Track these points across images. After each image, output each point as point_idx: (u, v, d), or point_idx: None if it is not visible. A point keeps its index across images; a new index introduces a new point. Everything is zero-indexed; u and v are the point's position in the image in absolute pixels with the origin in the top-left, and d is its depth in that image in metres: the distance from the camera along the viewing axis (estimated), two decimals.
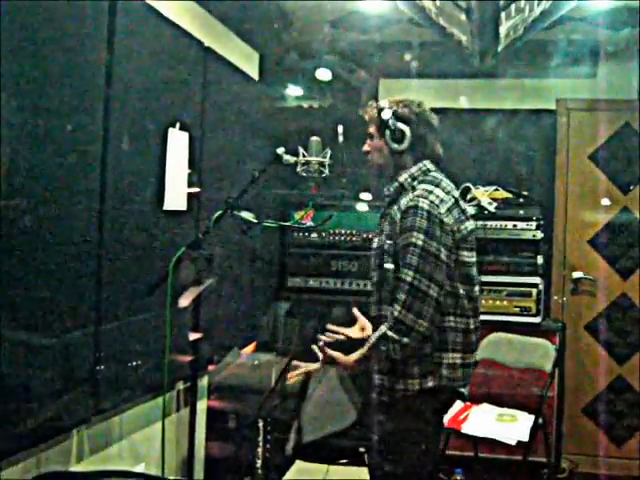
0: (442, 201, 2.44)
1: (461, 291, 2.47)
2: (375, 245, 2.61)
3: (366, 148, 2.66)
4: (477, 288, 2.56)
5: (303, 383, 2.55)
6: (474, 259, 2.54)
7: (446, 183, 2.54)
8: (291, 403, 2.79)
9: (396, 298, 2.39)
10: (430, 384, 2.46)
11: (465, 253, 2.48)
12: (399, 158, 2.58)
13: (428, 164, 2.57)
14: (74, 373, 2.52)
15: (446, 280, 2.41)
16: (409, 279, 2.36)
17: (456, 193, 2.56)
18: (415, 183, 2.52)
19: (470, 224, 2.53)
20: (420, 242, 2.37)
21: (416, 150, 2.57)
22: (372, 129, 2.62)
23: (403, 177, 2.55)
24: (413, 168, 2.56)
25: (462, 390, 2.55)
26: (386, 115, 2.54)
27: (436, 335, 2.43)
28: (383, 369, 2.50)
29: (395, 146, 2.56)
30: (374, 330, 2.52)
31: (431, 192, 2.45)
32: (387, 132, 2.56)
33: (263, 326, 4.24)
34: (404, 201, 2.47)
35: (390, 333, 2.37)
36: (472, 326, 2.51)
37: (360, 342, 2.57)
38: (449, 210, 2.44)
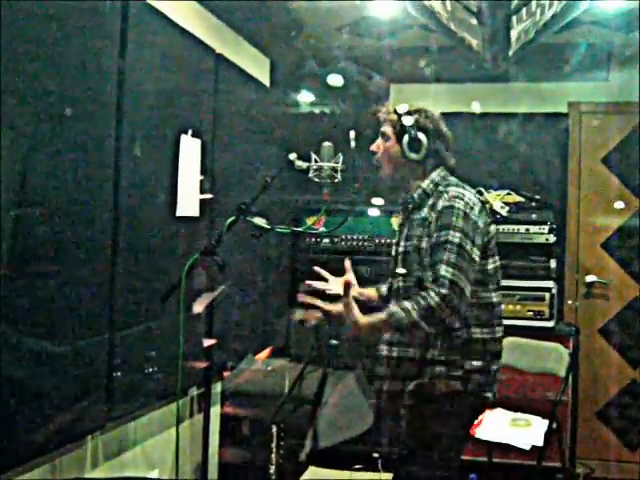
0: (474, 203, 2.46)
1: (494, 299, 2.50)
2: (401, 250, 2.59)
3: (374, 148, 2.65)
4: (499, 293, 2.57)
5: (319, 388, 2.54)
6: (498, 264, 2.55)
7: (469, 188, 2.56)
8: (306, 409, 2.77)
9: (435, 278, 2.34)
10: (459, 387, 2.45)
11: (490, 260, 2.50)
12: (413, 166, 2.58)
13: (445, 171, 2.59)
14: (88, 380, 2.53)
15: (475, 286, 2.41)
16: (444, 273, 2.32)
17: (480, 198, 2.57)
18: (440, 188, 2.52)
19: (493, 229, 2.55)
20: (457, 240, 2.36)
21: (431, 160, 2.58)
22: (388, 130, 2.60)
23: (425, 183, 2.56)
24: (433, 174, 2.57)
25: (488, 395, 2.53)
26: (408, 122, 2.53)
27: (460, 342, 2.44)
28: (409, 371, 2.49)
29: (412, 155, 2.55)
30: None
31: (464, 195, 2.46)
32: (405, 138, 2.56)
33: (278, 332, 4.24)
34: (440, 202, 2.46)
35: (431, 286, 2.30)
36: (499, 334, 2.54)
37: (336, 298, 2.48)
38: (480, 212, 2.46)
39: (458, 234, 2.37)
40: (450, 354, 2.45)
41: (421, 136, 2.54)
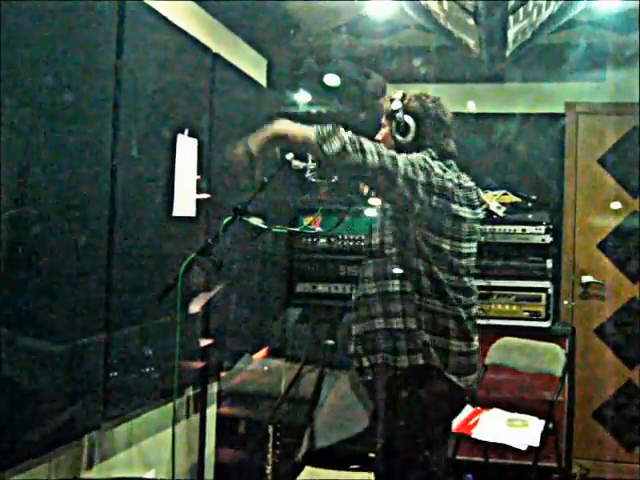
0: (431, 167, 2.45)
1: (440, 276, 2.47)
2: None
3: (377, 137, 2.67)
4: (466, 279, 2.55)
5: (315, 388, 2.54)
6: (468, 251, 2.54)
7: (443, 165, 2.53)
8: (303, 409, 2.78)
9: None
10: (420, 362, 2.44)
11: (448, 241, 2.48)
12: (402, 151, 2.57)
13: (431, 154, 2.55)
14: (85, 379, 2.52)
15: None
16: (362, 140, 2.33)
17: (453, 178, 2.53)
18: None
19: (467, 211, 2.53)
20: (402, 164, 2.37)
21: (420, 144, 2.57)
22: (383, 119, 2.65)
23: None
24: (417, 154, 2.54)
25: (453, 379, 2.49)
26: (395, 106, 2.56)
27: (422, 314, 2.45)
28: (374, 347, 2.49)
29: (399, 138, 2.57)
30: None
31: (429, 162, 2.47)
32: (393, 123, 2.58)
33: (275, 332, 4.24)
34: None
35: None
36: (463, 314, 2.50)
37: None
38: (434, 179, 2.44)
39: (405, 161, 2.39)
40: (409, 322, 2.45)
41: (408, 119, 2.56)
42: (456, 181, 2.51)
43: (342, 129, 2.32)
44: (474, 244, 2.58)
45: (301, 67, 4.52)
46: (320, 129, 2.31)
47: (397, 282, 2.47)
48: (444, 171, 2.48)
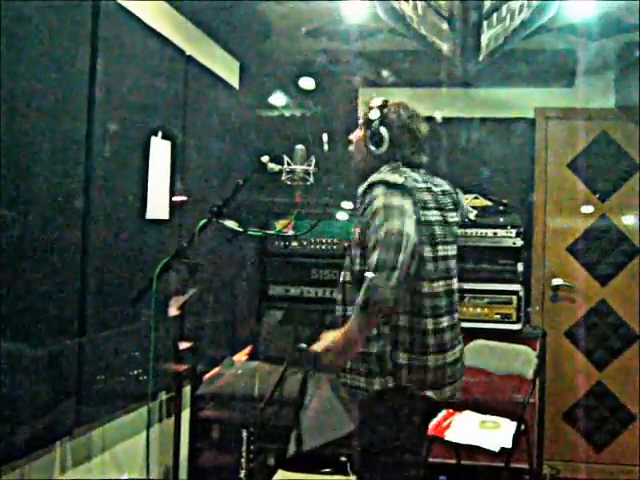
0: (402, 185, 2.41)
1: (426, 288, 2.46)
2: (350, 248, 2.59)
3: (351, 137, 2.69)
4: (443, 283, 2.53)
5: (300, 391, 2.53)
6: (443, 254, 2.52)
7: (411, 173, 2.52)
8: (288, 412, 2.76)
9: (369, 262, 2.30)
10: (390, 385, 2.43)
11: (428, 247, 2.46)
12: (374, 160, 2.58)
13: (400, 165, 2.55)
14: (58, 384, 2.49)
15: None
16: (373, 259, 2.26)
17: (418, 183, 2.52)
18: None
19: (438, 215, 2.52)
20: (382, 231, 2.30)
21: (392, 155, 2.57)
22: (360, 122, 2.65)
23: (373, 177, 2.49)
24: (384, 167, 2.54)
25: (429, 394, 2.48)
26: (373, 115, 2.56)
27: (391, 334, 2.42)
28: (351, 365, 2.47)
29: (372, 148, 2.57)
30: None
31: (385, 179, 2.43)
32: (368, 132, 2.58)
33: (253, 334, 4.22)
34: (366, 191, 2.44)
35: (374, 275, 2.25)
36: (430, 327, 2.46)
37: None
38: (407, 194, 2.40)
39: (382, 220, 2.32)
40: (379, 345, 2.43)
41: (383, 130, 2.56)
42: (423, 186, 2.52)
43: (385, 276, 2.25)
44: (450, 247, 2.58)
45: (266, 68, 4.51)
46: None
47: None
48: (407, 178, 2.47)
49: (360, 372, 2.46)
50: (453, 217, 2.61)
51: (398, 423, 2.49)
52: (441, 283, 2.52)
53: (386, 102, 2.63)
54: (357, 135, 2.68)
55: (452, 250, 2.59)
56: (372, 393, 2.45)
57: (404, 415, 2.49)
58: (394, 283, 2.22)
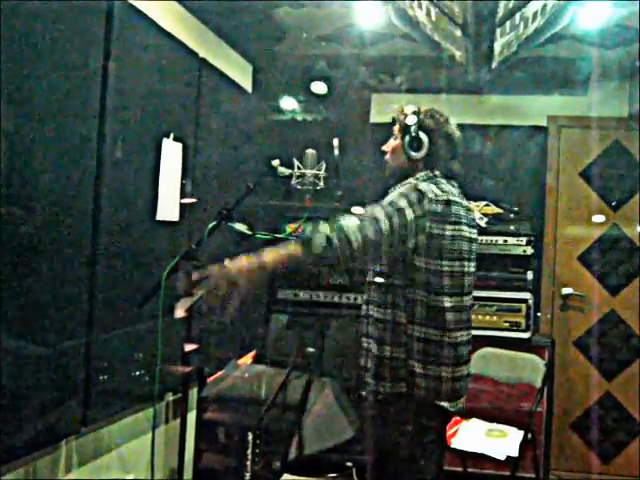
0: (434, 195, 2.42)
1: (446, 303, 2.45)
2: None
3: (384, 148, 2.68)
4: (467, 298, 2.54)
5: (303, 395, 2.53)
6: (460, 270, 2.51)
7: (445, 185, 2.53)
8: (289, 416, 2.76)
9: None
10: (403, 390, 2.43)
11: (446, 262, 2.46)
12: (412, 165, 2.58)
13: (436, 172, 2.57)
14: (65, 383, 2.50)
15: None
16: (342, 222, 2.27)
17: (455, 197, 2.53)
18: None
19: (458, 230, 2.51)
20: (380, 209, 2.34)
21: (429, 161, 2.58)
22: (396, 129, 2.64)
23: (409, 180, 2.54)
24: (419, 174, 2.55)
25: (444, 404, 2.48)
26: (410, 121, 2.56)
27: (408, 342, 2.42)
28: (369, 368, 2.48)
29: (412, 153, 2.57)
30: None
31: (420, 187, 2.45)
32: (407, 137, 2.58)
33: (258, 338, 4.22)
34: None
35: (345, 224, 2.26)
36: (455, 340, 2.47)
37: None
38: (433, 203, 2.41)
39: (392, 199, 2.37)
40: (395, 351, 2.44)
41: (422, 135, 2.56)
42: (459, 200, 2.52)
43: (321, 223, 2.28)
44: (473, 263, 2.58)
45: (286, 74, 4.52)
46: (301, 237, 2.29)
47: (389, 311, 2.45)
48: (444, 191, 2.47)
49: (373, 373, 2.47)
50: (474, 234, 2.61)
51: (409, 430, 2.48)
52: (464, 298, 2.53)
53: (419, 108, 2.63)
54: (393, 144, 2.67)
55: (473, 267, 2.59)
56: (383, 395, 2.45)
57: (416, 422, 2.49)
58: (355, 246, 2.24)
